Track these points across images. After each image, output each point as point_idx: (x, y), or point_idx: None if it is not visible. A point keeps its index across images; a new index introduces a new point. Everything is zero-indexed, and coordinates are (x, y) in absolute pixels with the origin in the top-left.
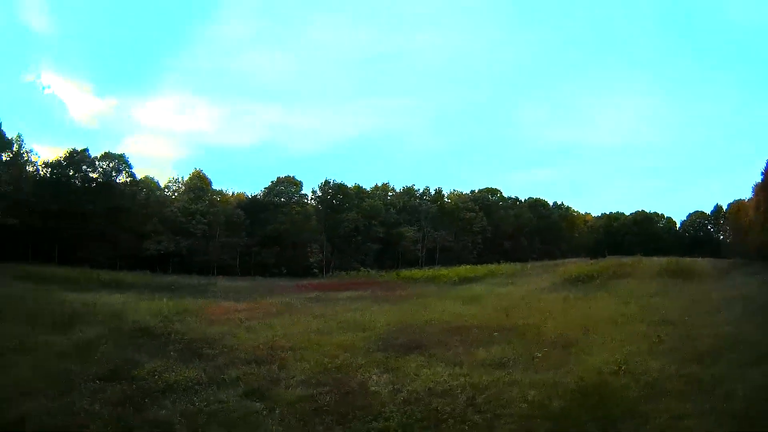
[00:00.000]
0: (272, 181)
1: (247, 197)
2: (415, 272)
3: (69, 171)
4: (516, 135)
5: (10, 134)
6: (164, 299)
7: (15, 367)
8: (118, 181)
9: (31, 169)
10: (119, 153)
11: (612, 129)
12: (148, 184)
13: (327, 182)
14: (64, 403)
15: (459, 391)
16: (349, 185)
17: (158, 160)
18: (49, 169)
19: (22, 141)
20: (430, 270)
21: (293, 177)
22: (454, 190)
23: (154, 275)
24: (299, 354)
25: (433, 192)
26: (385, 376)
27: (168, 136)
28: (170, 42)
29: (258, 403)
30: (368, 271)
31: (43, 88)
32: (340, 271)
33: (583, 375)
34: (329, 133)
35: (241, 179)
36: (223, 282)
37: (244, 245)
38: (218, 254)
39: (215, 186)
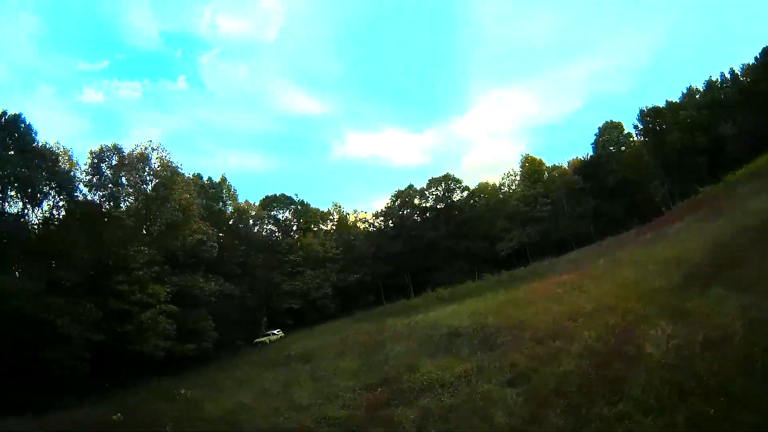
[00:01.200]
0: (596, 134)
1: (582, 160)
2: None
3: (401, 212)
4: None
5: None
6: (499, 294)
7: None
8: (454, 199)
9: (362, 226)
10: (443, 174)
11: None
12: (484, 189)
13: (643, 110)
14: None
15: None
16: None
17: (491, 165)
18: (379, 219)
19: (342, 207)
20: None
21: (613, 121)
22: None
23: (499, 274)
24: (590, 320)
25: None
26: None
27: (496, 136)
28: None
29: (513, 389)
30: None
31: None
32: (681, 200)
33: None
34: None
35: (562, 148)
36: (569, 255)
37: (591, 208)
38: (568, 227)
39: (548, 162)
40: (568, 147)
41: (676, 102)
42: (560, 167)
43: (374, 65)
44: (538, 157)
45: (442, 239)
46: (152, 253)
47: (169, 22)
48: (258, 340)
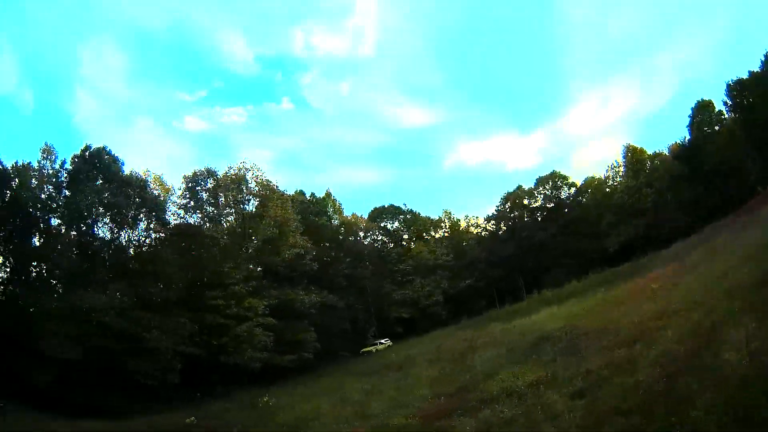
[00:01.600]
0: (689, 116)
1: (680, 144)
2: None
3: (511, 214)
4: None
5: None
6: (598, 293)
7: None
8: (562, 196)
9: (474, 231)
10: (550, 172)
11: None
12: (590, 184)
13: (729, 84)
14: None
15: None
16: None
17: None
18: (491, 222)
19: (453, 214)
20: None
21: (704, 99)
22: None
23: (603, 272)
24: (675, 319)
25: None
26: None
27: (600, 131)
28: None
29: (577, 402)
30: None
31: None
32: None
33: None
34: None
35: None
36: (671, 248)
37: (691, 195)
38: (670, 217)
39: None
40: (670, 134)
41: (757, 72)
42: (661, 154)
43: (476, 70)
44: (639, 146)
45: (551, 239)
46: (249, 269)
47: (263, 47)
48: (365, 349)
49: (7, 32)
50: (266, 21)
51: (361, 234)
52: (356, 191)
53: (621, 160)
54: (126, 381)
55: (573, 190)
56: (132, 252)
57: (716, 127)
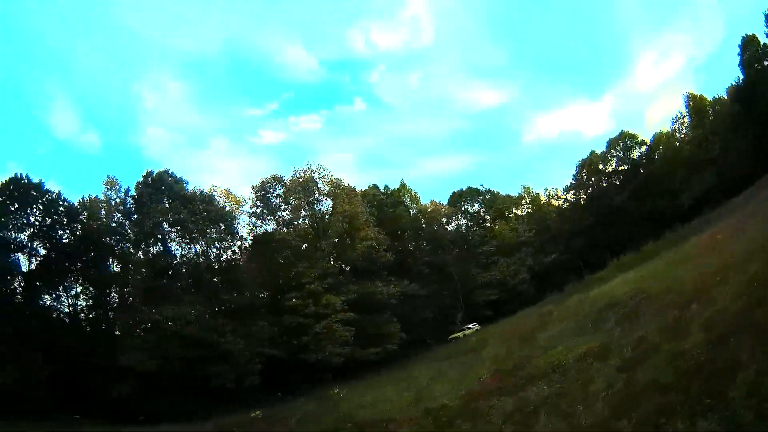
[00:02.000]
0: (738, 54)
1: (735, 85)
2: None
3: (587, 181)
4: None
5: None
6: (670, 252)
7: None
8: (634, 156)
9: (555, 204)
10: (620, 133)
11: None
12: (659, 140)
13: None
14: None
15: None
16: None
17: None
18: (570, 193)
19: (532, 189)
20: None
21: (748, 34)
22: None
23: (677, 230)
24: (734, 274)
25: None
26: None
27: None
28: None
29: (620, 375)
30: None
31: None
32: None
33: None
34: None
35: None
36: (739, 197)
37: (752, 139)
38: (734, 165)
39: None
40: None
41: None
42: (721, 98)
43: (537, 41)
44: (698, 94)
45: (627, 202)
46: (324, 267)
47: (324, 52)
48: (453, 336)
49: (64, 79)
50: (322, 26)
51: (444, 220)
52: (438, 180)
53: (684, 111)
54: (203, 387)
55: (644, 148)
56: (204, 263)
57: (765, 63)
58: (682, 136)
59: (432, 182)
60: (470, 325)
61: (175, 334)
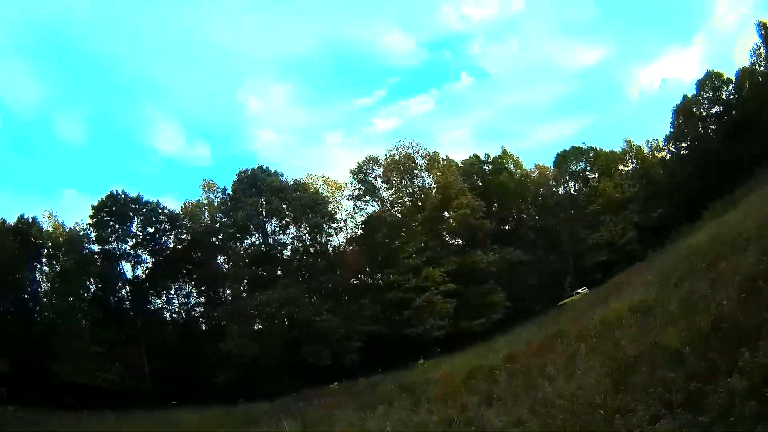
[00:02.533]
0: None
1: None
2: None
3: (684, 129)
4: None
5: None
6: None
7: None
8: (723, 97)
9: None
10: (705, 73)
11: None
12: (745, 75)
13: None
14: None
15: None
16: None
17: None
18: (671, 143)
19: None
20: None
21: None
22: None
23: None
24: None
25: None
26: None
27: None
28: None
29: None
30: None
31: None
32: None
33: None
34: None
35: None
36: None
37: None
38: None
39: None
40: None
41: None
42: None
43: None
44: None
45: (720, 145)
46: (423, 240)
47: (421, 33)
48: (562, 302)
49: (166, 103)
50: (413, 8)
51: (552, 183)
52: (548, 146)
53: (759, 41)
54: (299, 366)
55: (731, 86)
56: (302, 247)
57: None
58: (761, 67)
59: (542, 150)
60: (579, 290)
61: (270, 316)
